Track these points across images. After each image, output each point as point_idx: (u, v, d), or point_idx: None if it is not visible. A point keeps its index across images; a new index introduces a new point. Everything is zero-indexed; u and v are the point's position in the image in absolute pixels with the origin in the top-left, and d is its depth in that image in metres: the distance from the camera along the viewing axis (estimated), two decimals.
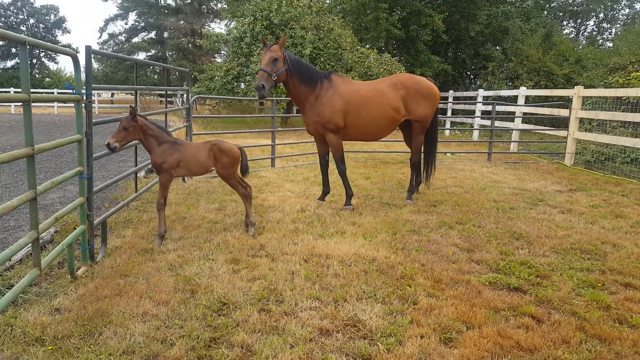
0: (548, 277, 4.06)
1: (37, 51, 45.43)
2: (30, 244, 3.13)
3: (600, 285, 3.91)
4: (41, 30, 49.62)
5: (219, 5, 44.46)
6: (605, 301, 3.58)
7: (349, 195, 6.38)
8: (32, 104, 2.96)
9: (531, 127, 13.32)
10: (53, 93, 29.69)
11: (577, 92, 10.50)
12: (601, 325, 3.20)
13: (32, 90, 2.95)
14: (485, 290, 3.76)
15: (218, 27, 46.18)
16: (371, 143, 12.21)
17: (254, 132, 15.33)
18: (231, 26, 20.65)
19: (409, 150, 7.12)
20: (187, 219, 5.62)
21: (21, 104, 2.94)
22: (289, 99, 12.02)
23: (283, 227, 5.35)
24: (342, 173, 6.43)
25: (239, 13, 20.36)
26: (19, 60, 2.99)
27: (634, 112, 9.42)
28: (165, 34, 44.87)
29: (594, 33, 34.62)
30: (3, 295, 2.96)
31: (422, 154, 7.04)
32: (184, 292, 3.63)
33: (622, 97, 10.02)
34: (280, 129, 11.83)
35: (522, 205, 6.64)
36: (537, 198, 7.08)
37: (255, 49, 17.31)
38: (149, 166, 7.17)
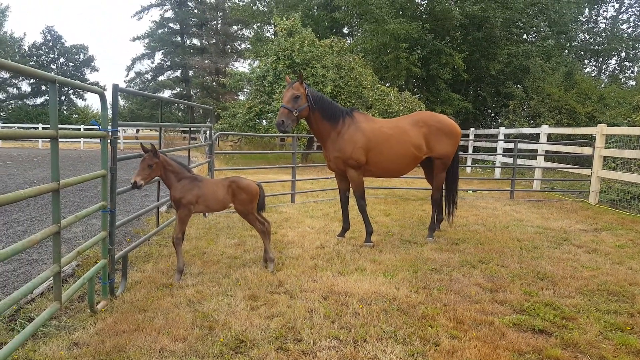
0: (574, 319, 3.92)
1: (66, 88, 47.23)
2: (52, 277, 3.17)
3: (629, 328, 3.75)
4: (70, 68, 51.71)
5: (243, 45, 45.97)
6: (635, 346, 3.43)
7: (369, 232, 6.33)
8: (59, 140, 3.05)
9: (554, 165, 13.15)
10: (80, 129, 30.71)
11: (600, 130, 10.38)
12: None
13: (59, 126, 3.05)
14: (509, 332, 3.64)
15: (242, 66, 47.54)
16: (391, 179, 12.20)
17: (274, 168, 15.50)
18: (254, 65, 21.26)
19: (429, 187, 7.08)
20: (206, 254, 5.63)
21: (49, 139, 3.04)
22: (310, 135, 12.25)
23: (302, 263, 5.32)
24: (363, 209, 6.40)
25: (262, 53, 21.00)
26: (48, 98, 3.11)
27: None
28: (190, 73, 46.36)
29: (616, 72, 34.50)
30: (23, 329, 2.97)
31: (443, 191, 6.99)
32: (202, 328, 3.60)
33: None
34: (300, 164, 11.92)
35: (546, 244, 6.49)
36: (561, 237, 6.92)
37: (277, 87, 17.72)
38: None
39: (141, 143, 4.69)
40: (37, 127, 32.09)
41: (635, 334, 3.65)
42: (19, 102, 49.35)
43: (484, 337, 3.53)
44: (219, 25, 46.47)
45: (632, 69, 33.99)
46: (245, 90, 26.50)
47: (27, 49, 50.30)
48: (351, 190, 6.50)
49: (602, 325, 3.81)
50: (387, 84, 22.32)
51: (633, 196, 9.86)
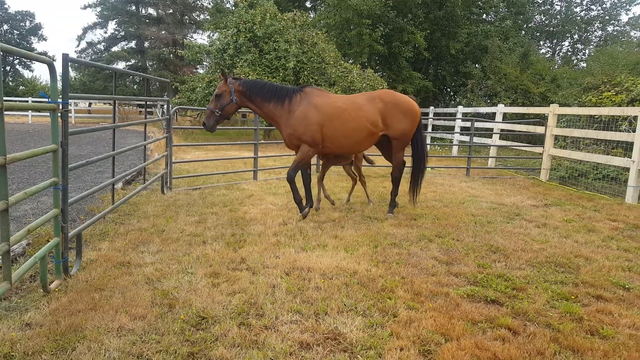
0: (524, 289, 4.12)
1: (11, 58, 44.57)
2: (0, 257, 3.04)
3: (573, 297, 3.98)
4: (15, 36, 48.58)
5: (202, 16, 44.40)
6: (578, 313, 3.65)
7: (297, 201, 6.32)
8: (5, 112, 2.89)
9: (508, 143, 13.58)
10: (27, 101, 29.17)
11: (552, 110, 10.76)
12: (574, 337, 3.25)
13: (5, 98, 2.89)
14: (463, 302, 3.78)
15: (200, 38, 46.06)
16: None
17: (236, 145, 15.29)
18: (214, 37, 20.63)
19: (390, 164, 7.16)
20: (165, 232, 5.54)
21: None
22: None
23: (265, 240, 5.32)
24: (291, 179, 6.29)
25: (222, 25, 20.36)
26: None
27: (606, 130, 9.70)
28: (146, 44, 44.51)
29: (569, 53, 35.69)
30: None
31: (412, 169, 7.00)
32: (162, 306, 3.56)
33: (595, 115, 10.31)
34: (262, 141, 11.79)
35: (499, 219, 6.74)
36: (513, 212, 7.19)
37: (238, 60, 17.32)
38: (126, 177, 7.06)
39: None
40: None
41: (579, 302, 3.88)
42: None
43: (439, 308, 3.66)
44: None
45: (583, 52, 35.24)
46: (204, 63, 25.77)
47: None
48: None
49: (549, 295, 4.02)
50: (350, 61, 22.22)
51: (581, 173, 10.36)
